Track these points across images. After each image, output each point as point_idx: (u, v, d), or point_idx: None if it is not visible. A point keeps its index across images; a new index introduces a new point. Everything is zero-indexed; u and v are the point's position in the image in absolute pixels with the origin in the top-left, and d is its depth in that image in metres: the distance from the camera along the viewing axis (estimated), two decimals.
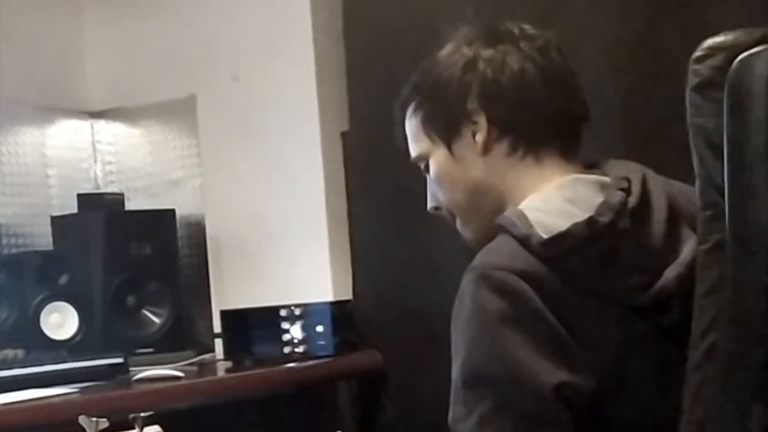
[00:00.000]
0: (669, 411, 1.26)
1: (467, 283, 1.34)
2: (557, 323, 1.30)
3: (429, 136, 1.51)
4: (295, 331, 2.54)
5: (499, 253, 1.35)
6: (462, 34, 1.52)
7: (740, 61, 1.15)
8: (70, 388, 2.06)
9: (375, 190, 2.63)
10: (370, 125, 2.62)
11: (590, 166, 1.48)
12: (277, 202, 2.76)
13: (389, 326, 2.60)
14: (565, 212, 1.35)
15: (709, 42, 1.20)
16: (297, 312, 2.54)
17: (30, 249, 2.78)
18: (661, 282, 1.32)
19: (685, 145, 1.23)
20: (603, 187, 1.40)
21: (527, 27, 1.50)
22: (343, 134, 2.73)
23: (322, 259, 2.70)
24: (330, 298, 2.65)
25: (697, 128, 1.21)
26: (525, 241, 1.33)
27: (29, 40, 2.89)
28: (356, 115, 2.66)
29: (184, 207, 2.89)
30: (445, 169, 1.51)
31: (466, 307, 1.33)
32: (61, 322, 2.54)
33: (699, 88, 1.20)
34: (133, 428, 1.30)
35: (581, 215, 1.34)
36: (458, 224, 1.56)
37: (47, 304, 2.52)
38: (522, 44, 1.48)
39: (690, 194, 1.32)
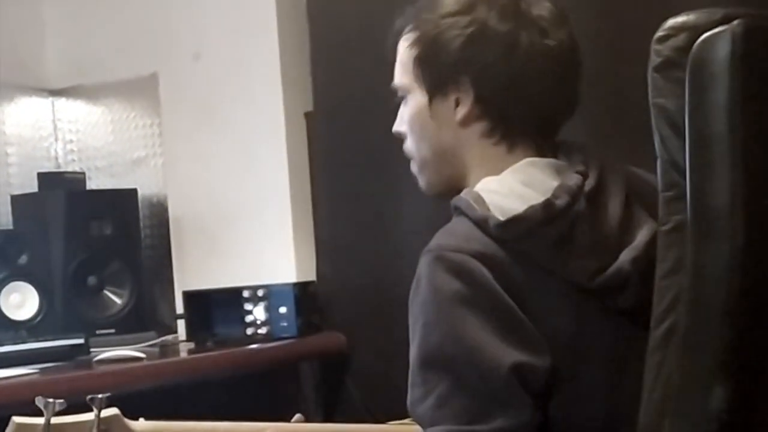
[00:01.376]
0: (628, 392, 1.27)
1: (423, 265, 1.34)
2: (513, 305, 1.30)
3: (417, 76, 1.47)
4: (258, 313, 2.54)
5: (455, 235, 1.35)
6: None
7: (702, 41, 1.15)
8: (30, 369, 2.04)
9: (339, 171, 2.63)
10: (335, 105, 2.61)
11: (552, 149, 1.48)
12: (240, 182, 2.75)
13: (352, 308, 2.60)
14: (521, 195, 1.35)
15: (671, 22, 1.20)
16: (260, 293, 2.54)
17: None
18: (616, 265, 1.32)
19: (648, 126, 1.23)
20: (559, 170, 1.39)
21: (552, 11, 1.44)
22: (307, 114, 2.72)
23: (286, 239, 2.70)
24: (293, 280, 2.64)
25: (658, 108, 1.21)
26: (482, 223, 1.33)
27: None
28: (320, 95, 2.65)
29: (146, 186, 2.87)
30: (419, 116, 1.48)
31: (423, 289, 1.33)
32: (20, 302, 2.52)
33: (660, 68, 1.20)
34: (91, 410, 1.29)
35: (537, 198, 1.33)
36: (413, 167, 1.54)
37: (7, 284, 2.50)
38: (535, 32, 1.42)
39: (651, 180, 1.32)
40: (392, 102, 1.55)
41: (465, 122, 1.45)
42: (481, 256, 1.30)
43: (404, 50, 1.50)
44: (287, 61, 2.69)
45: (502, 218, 1.32)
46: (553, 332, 1.30)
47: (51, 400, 1.25)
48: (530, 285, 1.31)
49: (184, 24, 2.82)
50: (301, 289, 2.57)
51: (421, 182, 1.53)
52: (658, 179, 1.22)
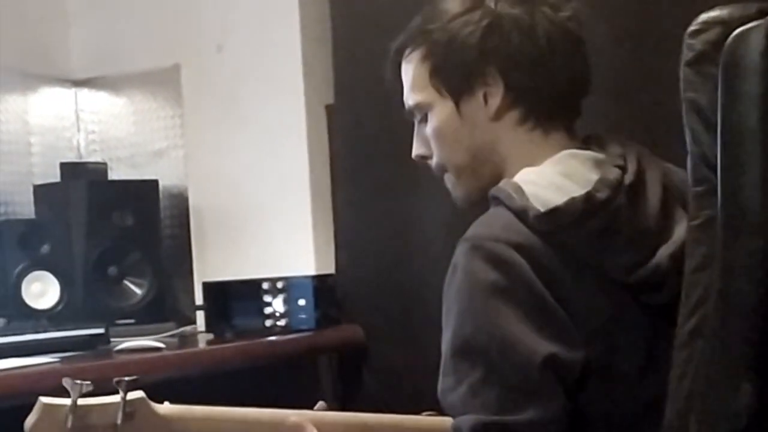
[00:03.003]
0: (658, 388, 1.26)
1: (460, 254, 1.34)
2: (549, 296, 1.30)
3: (436, 88, 1.47)
4: (277, 305, 2.54)
5: (493, 224, 1.35)
6: None
7: (735, 36, 1.14)
8: (51, 358, 2.05)
9: (359, 164, 2.63)
10: (356, 98, 2.61)
11: (586, 141, 1.47)
12: (261, 174, 2.75)
13: (371, 301, 2.60)
14: (560, 186, 1.35)
15: (704, 16, 1.20)
16: (279, 285, 2.54)
17: (11, 217, 2.76)
18: (654, 260, 1.32)
19: (678, 121, 1.23)
20: (598, 163, 1.39)
21: None
22: (328, 107, 2.72)
23: (305, 232, 2.70)
24: (312, 272, 2.65)
25: (690, 103, 1.20)
26: (521, 214, 1.33)
27: (13, 7, 2.86)
28: (341, 88, 2.65)
29: (167, 177, 2.87)
30: (448, 125, 1.48)
31: (458, 278, 1.33)
32: (42, 291, 2.53)
33: (693, 63, 1.20)
34: (117, 393, 1.29)
35: (578, 190, 1.33)
36: (448, 181, 1.54)
37: (28, 273, 2.51)
38: (547, 9, 1.43)
39: (683, 176, 1.32)
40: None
41: (498, 115, 1.44)
42: (519, 247, 1.30)
43: (414, 68, 1.50)
44: (309, 53, 2.69)
45: (542, 209, 1.31)
46: (588, 325, 1.31)
47: (78, 381, 1.25)
48: (567, 277, 1.31)
49: (207, 16, 2.82)
50: (320, 281, 2.57)
51: (458, 193, 1.53)
52: (689, 174, 1.22)
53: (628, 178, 1.36)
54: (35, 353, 2.09)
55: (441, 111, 1.48)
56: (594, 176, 1.36)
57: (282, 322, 2.53)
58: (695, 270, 1.21)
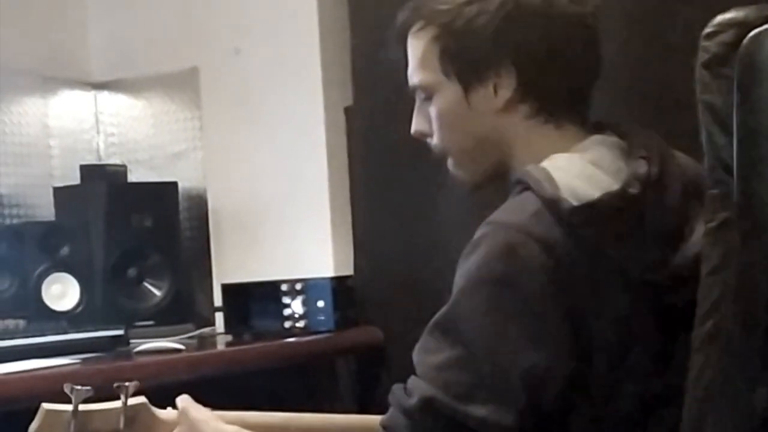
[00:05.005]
0: (675, 389, 1.25)
1: (482, 235, 1.29)
2: (560, 299, 1.26)
3: (445, 71, 1.43)
4: (296, 306, 2.54)
5: (521, 211, 1.30)
6: None
7: (751, 37, 1.13)
8: (71, 359, 2.06)
9: (377, 166, 2.63)
10: (374, 100, 2.62)
11: (600, 128, 1.44)
12: (279, 176, 2.76)
13: (389, 302, 2.60)
14: (590, 176, 1.31)
15: (720, 18, 1.19)
16: (298, 287, 2.54)
17: (31, 220, 2.77)
18: (677, 259, 1.29)
19: (693, 123, 1.22)
20: (623, 151, 1.36)
21: None
22: (347, 109, 2.72)
23: (324, 233, 2.70)
24: (331, 273, 2.65)
25: (705, 105, 1.19)
26: (552, 204, 1.28)
27: (32, 10, 2.88)
28: (360, 90, 2.66)
29: (185, 180, 2.88)
30: (454, 110, 1.44)
31: (473, 259, 1.29)
32: (62, 293, 2.54)
33: (708, 65, 1.19)
34: (119, 398, 1.30)
35: (608, 182, 1.30)
36: (450, 163, 1.50)
37: (48, 275, 2.52)
38: (567, 1, 1.39)
39: (696, 168, 1.30)
40: None
41: (507, 107, 1.41)
42: (543, 241, 1.26)
43: (424, 46, 1.44)
44: (327, 55, 2.70)
45: (575, 202, 1.27)
46: (603, 326, 1.28)
47: (79, 387, 1.26)
48: (590, 275, 1.27)
49: (225, 18, 2.83)
50: (338, 283, 2.58)
51: (462, 176, 1.49)
52: (705, 176, 1.21)
53: (654, 171, 1.32)
54: (55, 354, 2.10)
55: (447, 95, 1.43)
56: (621, 164, 1.33)
57: (301, 324, 2.53)
58: (711, 272, 1.20)
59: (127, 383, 1.28)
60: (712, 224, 1.20)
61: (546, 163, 1.35)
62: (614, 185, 1.30)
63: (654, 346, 1.31)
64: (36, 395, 1.81)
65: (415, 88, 1.49)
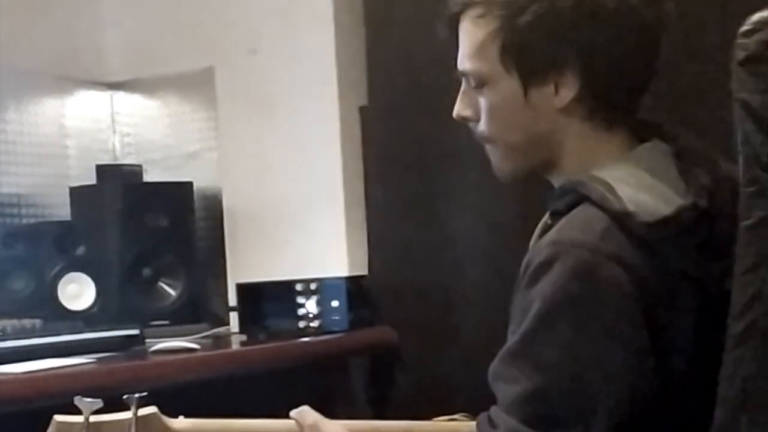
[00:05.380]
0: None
1: (552, 256, 1.25)
2: (639, 320, 1.23)
3: (505, 65, 1.37)
4: (310, 306, 2.54)
5: (590, 230, 1.26)
6: None
7: None
8: (87, 359, 2.07)
9: (392, 166, 2.63)
10: (389, 99, 2.62)
11: (645, 131, 1.41)
12: (294, 175, 2.76)
13: (404, 302, 2.60)
14: (653, 189, 1.28)
15: (757, 16, 1.17)
16: (312, 286, 2.54)
17: (48, 219, 2.79)
18: None
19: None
20: (674, 158, 1.34)
21: None
22: (362, 108, 2.72)
23: (338, 233, 2.70)
24: (345, 273, 2.65)
25: (742, 103, 1.17)
26: (622, 219, 1.25)
27: (48, 11, 2.89)
28: (375, 89, 2.66)
29: (201, 180, 2.88)
30: (510, 105, 1.39)
31: (546, 281, 1.24)
32: (78, 292, 2.55)
33: (745, 63, 1.17)
34: (128, 409, 1.30)
35: (671, 194, 1.27)
36: (494, 153, 1.45)
37: (64, 274, 2.53)
38: (640, 1, 1.34)
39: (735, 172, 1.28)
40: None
41: (566, 108, 1.37)
42: (617, 259, 1.23)
43: (483, 36, 1.38)
44: (343, 55, 2.70)
45: (648, 218, 1.24)
46: (676, 340, 1.25)
47: (89, 399, 1.26)
48: (666, 290, 1.24)
49: (241, 18, 2.84)
50: (353, 283, 2.58)
51: (503, 167, 1.45)
52: (740, 175, 1.20)
53: (712, 180, 1.29)
54: (71, 354, 2.11)
55: (505, 88, 1.38)
56: (676, 173, 1.30)
57: (315, 324, 2.54)
58: (746, 271, 1.18)
59: (136, 394, 1.28)
60: (748, 222, 1.18)
61: (603, 173, 1.31)
62: (682, 199, 1.27)
63: (717, 356, 1.28)
64: (52, 394, 1.83)
65: (465, 74, 1.44)
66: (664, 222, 1.25)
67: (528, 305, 1.26)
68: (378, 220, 2.68)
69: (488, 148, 1.46)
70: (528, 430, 1.23)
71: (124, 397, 1.28)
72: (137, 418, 1.28)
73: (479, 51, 1.39)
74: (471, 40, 1.40)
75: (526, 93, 1.37)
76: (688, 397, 1.27)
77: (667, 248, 1.25)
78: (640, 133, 1.40)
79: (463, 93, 1.45)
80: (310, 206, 2.74)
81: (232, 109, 2.87)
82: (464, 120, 1.46)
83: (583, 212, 1.29)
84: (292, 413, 1.40)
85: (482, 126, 1.44)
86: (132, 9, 3.02)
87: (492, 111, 1.41)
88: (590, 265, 1.22)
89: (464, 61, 1.42)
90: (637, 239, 1.24)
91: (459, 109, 1.45)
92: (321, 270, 2.62)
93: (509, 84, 1.38)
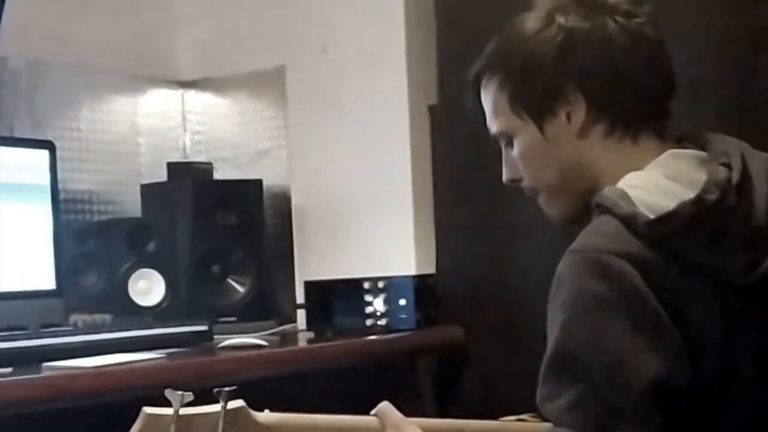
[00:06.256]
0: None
1: (567, 265, 1.31)
2: (661, 310, 1.26)
3: (517, 113, 1.47)
4: (378, 304, 2.54)
5: (601, 234, 1.31)
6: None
7: None
8: (156, 354, 2.09)
9: (461, 165, 2.62)
10: (459, 99, 2.60)
11: (680, 140, 1.44)
12: (363, 174, 2.76)
13: (471, 301, 2.59)
14: (667, 190, 1.32)
15: None
16: (380, 285, 2.55)
17: (119, 216, 2.83)
18: None
19: None
20: (702, 161, 1.36)
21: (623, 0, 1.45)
22: (431, 107, 2.72)
23: (406, 232, 2.70)
24: (413, 272, 2.65)
25: None
26: (629, 221, 1.29)
27: (123, 11, 2.93)
28: (444, 88, 2.65)
29: (270, 177, 2.90)
30: (534, 148, 1.47)
31: (564, 291, 1.30)
32: (147, 288, 2.58)
33: None
34: (218, 402, 1.31)
35: (685, 192, 1.30)
36: (542, 201, 1.52)
37: (135, 270, 2.56)
38: (620, 18, 1.42)
39: None
40: None
41: (583, 131, 1.43)
42: (629, 257, 1.27)
43: (493, 96, 1.49)
44: (413, 54, 2.70)
45: (651, 215, 1.28)
46: (703, 335, 1.27)
47: (180, 392, 1.27)
48: (680, 286, 1.27)
49: (312, 17, 2.85)
50: (420, 281, 2.57)
51: (554, 211, 1.51)
52: None
53: (735, 176, 1.32)
54: (141, 349, 2.13)
55: (525, 135, 1.47)
56: (698, 174, 1.33)
57: (382, 322, 2.54)
58: None
59: (226, 388, 1.30)
60: None
61: (622, 182, 1.36)
62: (689, 194, 1.29)
63: (756, 350, 1.28)
64: (123, 388, 1.85)
65: (496, 137, 1.53)
66: (666, 217, 1.28)
67: (553, 317, 1.31)
68: (446, 219, 2.67)
69: (539, 200, 1.53)
70: None
71: (215, 390, 1.30)
72: (226, 411, 1.29)
73: (495, 110, 1.50)
74: (488, 104, 1.51)
75: (542, 130, 1.45)
76: (719, 392, 1.28)
77: (675, 243, 1.28)
78: (669, 140, 1.44)
79: (504, 158, 1.54)
80: (378, 205, 2.74)
81: (302, 107, 2.88)
82: (513, 182, 1.54)
83: (597, 221, 1.35)
84: (375, 410, 1.42)
85: (525, 180, 1.52)
86: (204, 8, 3.04)
87: (524, 160, 1.49)
88: (602, 264, 1.27)
89: (491, 125, 1.53)
90: (644, 237, 1.28)
91: (505, 174, 1.55)
92: (388, 268, 2.63)
93: (528, 129, 1.46)
